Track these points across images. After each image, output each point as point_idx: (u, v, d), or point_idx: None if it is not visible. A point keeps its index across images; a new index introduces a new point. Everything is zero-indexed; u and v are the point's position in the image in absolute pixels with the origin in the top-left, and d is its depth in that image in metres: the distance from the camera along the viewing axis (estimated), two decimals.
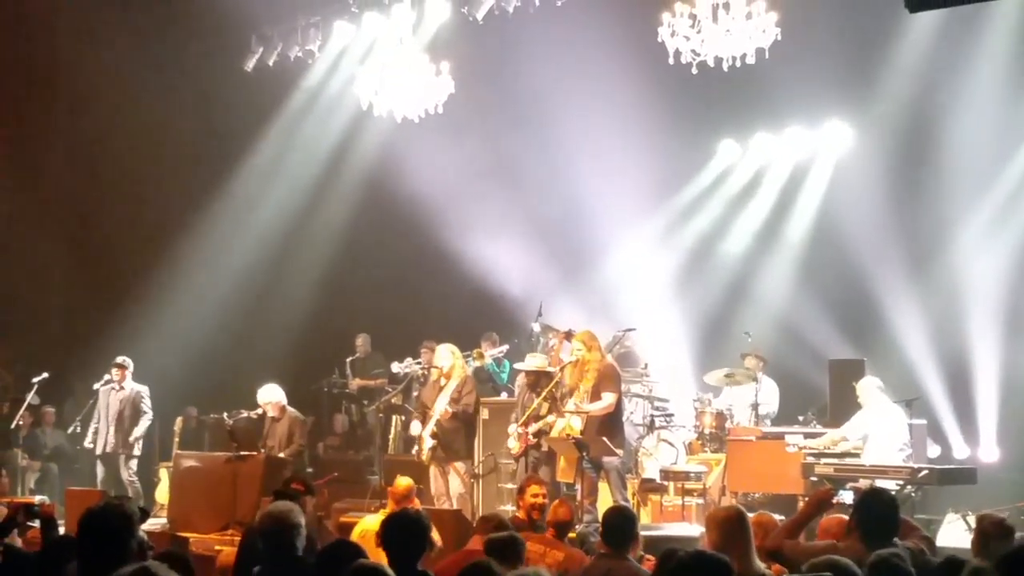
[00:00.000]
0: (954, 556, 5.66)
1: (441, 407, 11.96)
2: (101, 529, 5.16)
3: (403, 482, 9.83)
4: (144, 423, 14.27)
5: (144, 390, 14.41)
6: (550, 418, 11.56)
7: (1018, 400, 13.09)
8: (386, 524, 6.13)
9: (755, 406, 13.30)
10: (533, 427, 11.66)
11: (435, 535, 7.06)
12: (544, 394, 11.51)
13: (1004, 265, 13.50)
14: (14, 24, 17.31)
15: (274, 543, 5.90)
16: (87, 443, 14.48)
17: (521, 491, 8.85)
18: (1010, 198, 13.77)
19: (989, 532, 6.78)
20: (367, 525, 9.07)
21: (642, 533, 7.63)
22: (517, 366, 13.09)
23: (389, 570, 5.25)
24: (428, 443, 11.99)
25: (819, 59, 13.64)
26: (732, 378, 13.72)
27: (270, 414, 13.22)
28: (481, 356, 13.51)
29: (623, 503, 10.46)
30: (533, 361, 12.21)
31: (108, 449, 14.22)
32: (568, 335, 12.44)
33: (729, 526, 6.29)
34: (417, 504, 9.39)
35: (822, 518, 7.39)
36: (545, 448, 11.71)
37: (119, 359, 14.43)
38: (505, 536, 6.66)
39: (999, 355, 13.38)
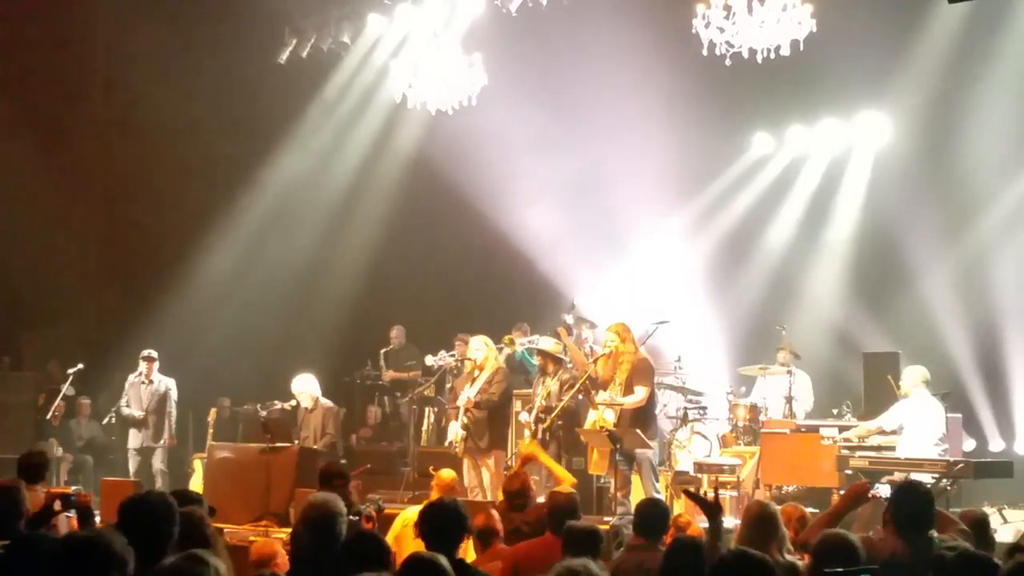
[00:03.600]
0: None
1: (467, 397, 11.97)
2: (142, 519, 5.20)
3: (447, 474, 9.79)
4: (169, 421, 14.42)
5: (171, 383, 14.53)
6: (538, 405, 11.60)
7: None
8: (424, 514, 6.14)
9: (789, 399, 13.25)
10: (532, 415, 11.72)
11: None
12: (578, 387, 11.51)
13: None
14: (52, 17, 17.41)
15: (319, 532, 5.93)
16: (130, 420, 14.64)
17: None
18: None
19: None
20: (409, 516, 9.03)
21: None
22: (529, 346, 13.13)
23: (444, 560, 5.18)
24: (460, 434, 11.99)
25: (854, 49, 13.59)
26: (766, 370, 13.71)
27: (304, 404, 13.24)
28: (512, 343, 13.49)
29: (655, 495, 10.45)
30: (546, 343, 12.26)
31: (143, 443, 14.37)
32: (568, 329, 12.54)
33: (759, 521, 6.32)
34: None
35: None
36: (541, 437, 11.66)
37: (145, 352, 14.54)
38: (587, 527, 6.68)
39: None
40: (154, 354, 14.53)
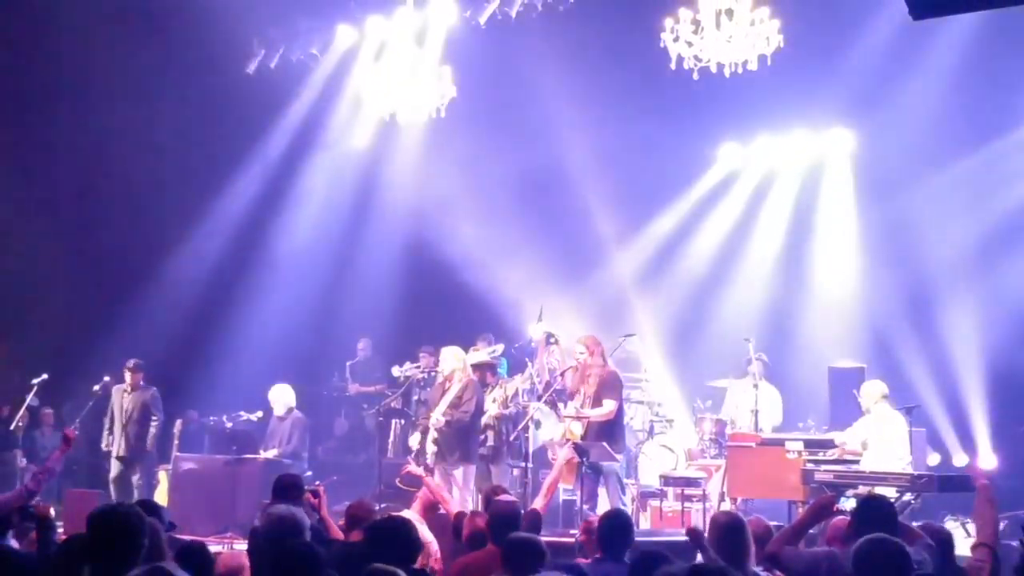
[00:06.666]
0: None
1: (438, 413, 11.93)
2: (112, 530, 5.15)
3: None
4: (153, 428, 14.25)
5: (156, 392, 14.42)
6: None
7: (1011, 408, 13.16)
8: (368, 533, 6.06)
9: (755, 412, 13.26)
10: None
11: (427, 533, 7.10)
12: (544, 398, 11.50)
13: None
14: (18, 28, 17.28)
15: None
16: (103, 446, 14.43)
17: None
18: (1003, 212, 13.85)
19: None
20: None
21: (642, 539, 7.64)
22: (467, 359, 13.12)
23: (403, 573, 5.16)
24: (431, 448, 11.94)
25: (818, 64, 13.72)
26: (733, 384, 13.76)
27: (277, 413, 13.31)
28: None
29: (621, 508, 10.45)
30: (476, 356, 12.31)
31: (122, 452, 14.21)
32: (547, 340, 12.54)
33: (727, 532, 6.32)
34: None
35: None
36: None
37: (132, 361, 14.41)
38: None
39: (990, 364, 13.44)
40: (139, 364, 14.43)
